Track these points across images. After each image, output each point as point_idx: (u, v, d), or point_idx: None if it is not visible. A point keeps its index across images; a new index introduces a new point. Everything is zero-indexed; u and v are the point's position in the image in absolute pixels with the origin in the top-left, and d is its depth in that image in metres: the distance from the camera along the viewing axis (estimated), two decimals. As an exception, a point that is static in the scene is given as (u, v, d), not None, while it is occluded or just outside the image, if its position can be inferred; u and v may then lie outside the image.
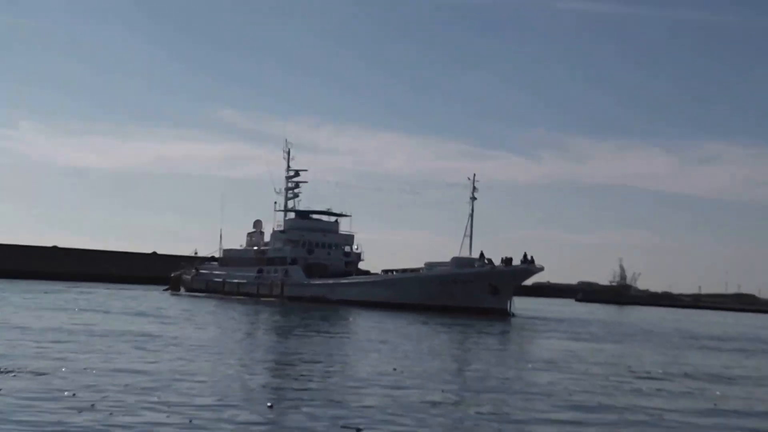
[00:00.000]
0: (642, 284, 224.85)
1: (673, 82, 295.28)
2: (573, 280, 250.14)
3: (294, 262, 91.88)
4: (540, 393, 22.79)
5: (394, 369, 26.53)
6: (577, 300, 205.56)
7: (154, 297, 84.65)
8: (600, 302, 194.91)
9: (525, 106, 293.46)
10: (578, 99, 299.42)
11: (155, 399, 18.96)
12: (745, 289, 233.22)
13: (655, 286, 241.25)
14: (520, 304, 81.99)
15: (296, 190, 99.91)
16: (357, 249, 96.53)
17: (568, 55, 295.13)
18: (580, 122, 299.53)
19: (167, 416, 17.17)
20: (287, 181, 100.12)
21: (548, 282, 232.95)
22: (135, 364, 24.65)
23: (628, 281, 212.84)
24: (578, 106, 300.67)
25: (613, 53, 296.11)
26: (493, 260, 76.87)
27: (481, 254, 78.07)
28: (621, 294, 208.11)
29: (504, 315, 73.81)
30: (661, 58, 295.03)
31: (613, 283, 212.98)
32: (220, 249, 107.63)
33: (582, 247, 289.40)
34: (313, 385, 21.97)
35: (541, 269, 76.27)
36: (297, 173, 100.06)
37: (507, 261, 75.65)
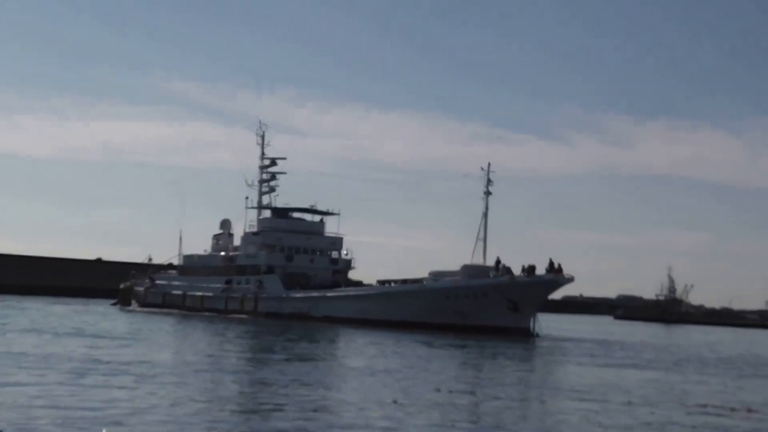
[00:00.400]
0: (695, 299, 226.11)
1: (737, 50, 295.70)
2: (611, 293, 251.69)
3: (270, 270, 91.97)
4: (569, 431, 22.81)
5: (395, 401, 26.72)
6: (616, 317, 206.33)
7: (98, 313, 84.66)
8: (644, 320, 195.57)
9: (554, 79, 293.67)
10: (619, 70, 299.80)
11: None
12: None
13: (712, 300, 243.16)
14: (546, 323, 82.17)
15: (272, 183, 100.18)
16: (347, 255, 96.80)
17: (605, 18, 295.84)
18: (621, 98, 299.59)
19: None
20: (261, 172, 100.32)
21: (581, 295, 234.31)
22: (70, 399, 24.60)
23: (679, 295, 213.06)
24: (619, 79, 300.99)
25: (660, 16, 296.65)
26: (513, 269, 77.02)
27: (498, 262, 78.07)
28: (669, 310, 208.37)
29: (526, 336, 73.99)
30: (720, 23, 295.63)
31: (660, 297, 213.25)
32: (179, 255, 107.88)
33: (622, 252, 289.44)
34: (291, 426, 21.93)
35: (571, 280, 76.30)
36: (273, 162, 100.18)
37: (529, 270, 75.70)
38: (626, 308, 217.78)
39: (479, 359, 47.71)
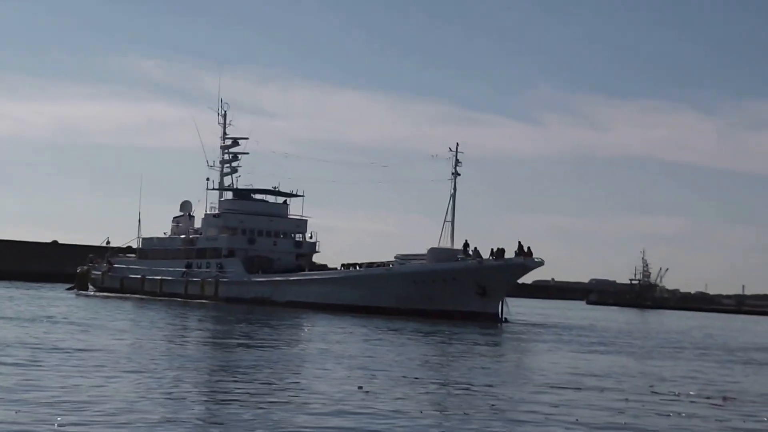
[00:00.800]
0: (670, 283, 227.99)
1: (714, 31, 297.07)
2: (584, 277, 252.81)
3: (231, 254, 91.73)
4: (540, 420, 22.66)
5: (360, 388, 26.78)
6: (589, 302, 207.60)
7: (53, 298, 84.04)
8: (618, 305, 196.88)
9: (526, 59, 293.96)
10: (593, 51, 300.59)
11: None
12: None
13: (687, 285, 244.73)
14: (515, 308, 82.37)
15: (234, 164, 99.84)
16: (311, 238, 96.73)
17: (574, 5, 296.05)
18: (594, 79, 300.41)
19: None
20: (223, 152, 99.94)
21: (552, 280, 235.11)
22: (20, 390, 24.23)
23: (653, 279, 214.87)
24: (593, 60, 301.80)
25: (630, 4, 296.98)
26: (481, 252, 77.12)
27: (466, 244, 78.22)
28: (644, 295, 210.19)
29: (494, 321, 74.18)
30: (697, 3, 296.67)
31: (634, 282, 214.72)
32: (138, 238, 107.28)
33: (596, 236, 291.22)
34: (253, 416, 21.64)
35: (541, 263, 76.36)
36: (235, 142, 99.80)
37: (498, 253, 75.82)
38: (600, 293, 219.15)
39: (446, 345, 47.60)
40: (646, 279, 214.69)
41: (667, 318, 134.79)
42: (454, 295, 75.44)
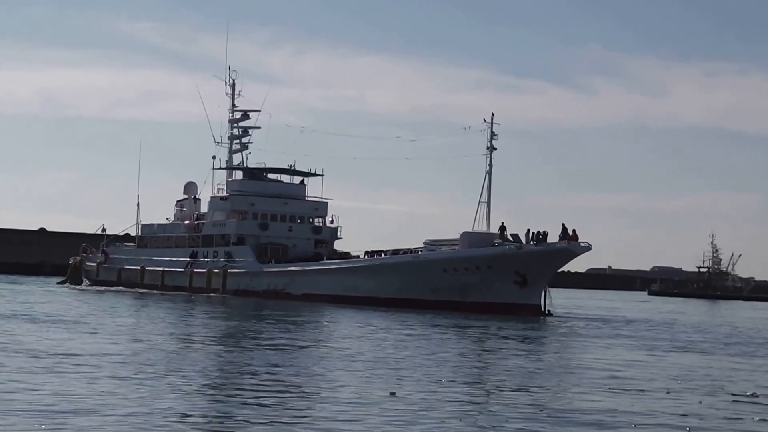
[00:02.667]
0: (744, 271, 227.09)
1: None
2: (645, 265, 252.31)
3: (241, 241, 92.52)
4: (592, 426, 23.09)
5: (392, 394, 26.92)
6: (651, 293, 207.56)
7: (43, 293, 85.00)
8: (684, 296, 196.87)
9: (572, 16, 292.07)
10: (647, 5, 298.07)
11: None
12: None
13: (765, 273, 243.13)
14: (567, 299, 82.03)
15: (245, 140, 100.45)
16: (332, 222, 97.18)
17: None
18: (650, 38, 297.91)
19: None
20: (231, 127, 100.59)
21: (609, 268, 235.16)
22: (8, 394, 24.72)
23: (724, 266, 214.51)
24: (647, 16, 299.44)
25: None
26: (521, 236, 77.53)
27: (502, 228, 78.41)
28: (713, 284, 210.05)
29: (536, 314, 74.72)
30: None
31: (703, 270, 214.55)
32: (137, 224, 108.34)
33: (657, 218, 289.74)
34: (274, 429, 21.74)
35: (588, 248, 76.26)
36: (245, 115, 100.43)
37: (540, 237, 76.14)
38: (663, 282, 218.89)
39: (483, 342, 48.20)
40: (716, 266, 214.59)
41: (742, 310, 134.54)
42: (490, 285, 75.92)
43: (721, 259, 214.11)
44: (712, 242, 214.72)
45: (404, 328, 54.47)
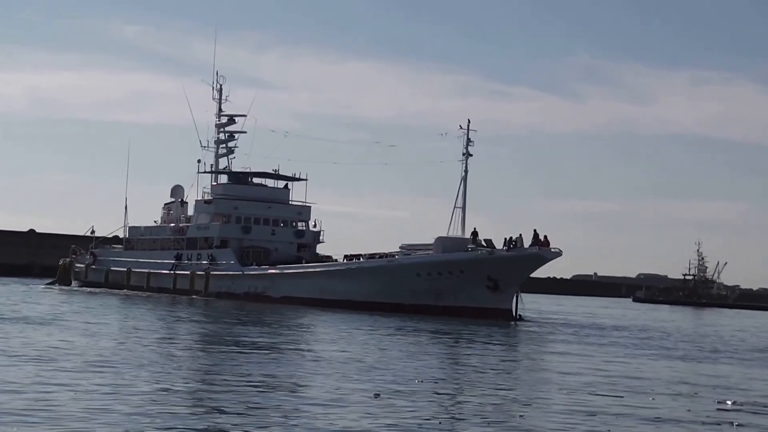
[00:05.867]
0: (729, 279, 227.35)
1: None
2: (631, 272, 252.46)
3: (224, 244, 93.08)
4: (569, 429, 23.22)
5: (376, 395, 27.26)
6: (636, 300, 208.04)
7: (31, 294, 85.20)
8: (669, 303, 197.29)
9: (559, 23, 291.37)
10: (635, 13, 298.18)
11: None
12: None
13: (749, 281, 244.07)
14: (551, 305, 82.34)
15: (230, 144, 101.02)
16: (315, 226, 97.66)
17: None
18: (638, 45, 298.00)
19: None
20: (218, 131, 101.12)
21: (595, 275, 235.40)
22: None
23: (710, 274, 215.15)
24: (635, 24, 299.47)
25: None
26: (493, 241, 78.13)
27: (474, 233, 79.17)
28: (699, 292, 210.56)
29: (507, 318, 75.31)
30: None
31: (689, 277, 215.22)
32: (125, 226, 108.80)
33: (642, 225, 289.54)
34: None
35: (558, 254, 76.73)
36: (232, 120, 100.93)
37: (512, 243, 76.63)
38: (648, 289, 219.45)
39: (458, 346, 48.81)
40: (701, 274, 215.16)
41: (727, 318, 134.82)
42: (463, 290, 76.55)
43: (706, 267, 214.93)
44: (698, 250, 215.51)
45: (377, 331, 54.85)
